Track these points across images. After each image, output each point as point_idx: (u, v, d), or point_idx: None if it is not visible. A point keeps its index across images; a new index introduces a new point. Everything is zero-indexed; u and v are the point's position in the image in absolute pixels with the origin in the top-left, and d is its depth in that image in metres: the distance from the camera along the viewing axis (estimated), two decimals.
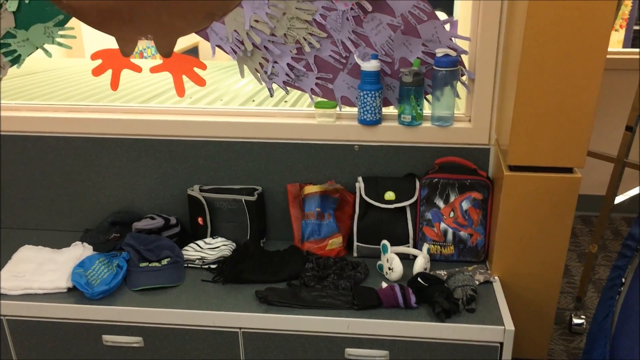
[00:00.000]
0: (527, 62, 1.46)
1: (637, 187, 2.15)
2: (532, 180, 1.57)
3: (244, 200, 1.83)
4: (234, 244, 1.83)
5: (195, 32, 1.78)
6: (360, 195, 1.80)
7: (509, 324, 1.49)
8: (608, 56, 2.84)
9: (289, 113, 1.92)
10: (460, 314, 1.53)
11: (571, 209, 1.58)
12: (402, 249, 1.75)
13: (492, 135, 1.80)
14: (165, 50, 1.77)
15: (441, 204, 1.76)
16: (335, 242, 1.80)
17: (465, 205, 1.74)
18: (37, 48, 1.85)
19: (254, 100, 2.38)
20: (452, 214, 1.76)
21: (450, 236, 1.76)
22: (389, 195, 1.78)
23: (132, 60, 1.83)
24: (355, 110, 1.84)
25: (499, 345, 1.49)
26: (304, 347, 1.57)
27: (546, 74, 1.46)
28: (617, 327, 1.58)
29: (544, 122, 1.51)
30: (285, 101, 2.33)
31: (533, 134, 1.53)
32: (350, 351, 1.55)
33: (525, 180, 1.57)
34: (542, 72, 1.46)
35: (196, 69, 1.81)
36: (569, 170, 1.57)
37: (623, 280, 1.63)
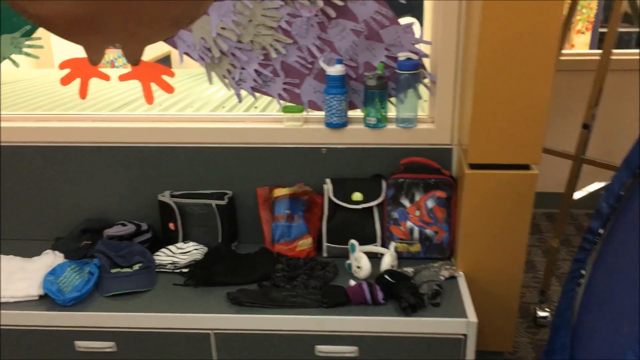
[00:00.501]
0: (483, 64, 1.52)
1: (595, 183, 2.24)
2: (491, 178, 1.63)
3: (215, 204, 1.86)
4: (206, 248, 1.86)
5: (163, 40, 1.81)
6: (329, 196, 1.84)
7: (472, 316, 1.54)
8: (575, 57, 2.94)
9: (257, 118, 1.96)
10: (426, 308, 1.58)
11: (529, 204, 1.64)
12: (370, 247, 1.80)
13: (454, 136, 1.86)
14: (133, 58, 1.79)
15: (407, 203, 1.81)
16: (305, 243, 1.84)
17: (430, 203, 1.80)
18: (5, 59, 1.86)
19: (224, 107, 2.41)
20: (417, 213, 1.81)
21: (416, 234, 1.81)
22: (357, 196, 1.83)
23: (103, 69, 1.85)
24: (322, 114, 1.88)
25: (463, 337, 1.55)
26: (275, 347, 1.60)
27: (501, 74, 1.52)
28: (578, 317, 1.65)
29: (500, 121, 1.57)
30: (256, 107, 2.36)
31: (491, 132, 1.59)
32: (320, 348, 1.58)
33: (485, 178, 1.64)
34: (498, 73, 1.52)
35: (164, 77, 1.84)
36: (527, 167, 1.64)
37: (583, 272, 1.69)
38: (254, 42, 1.81)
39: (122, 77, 1.85)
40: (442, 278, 1.70)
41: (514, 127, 1.57)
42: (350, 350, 1.58)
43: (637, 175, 1.56)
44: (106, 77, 1.84)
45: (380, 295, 1.60)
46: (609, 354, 1.39)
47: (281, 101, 1.90)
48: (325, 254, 1.86)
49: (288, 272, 1.72)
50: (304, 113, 1.89)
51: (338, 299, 1.60)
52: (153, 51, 1.82)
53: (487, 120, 1.58)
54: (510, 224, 1.68)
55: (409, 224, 1.81)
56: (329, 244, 1.84)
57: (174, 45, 1.82)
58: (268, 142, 1.89)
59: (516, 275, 1.74)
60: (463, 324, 1.53)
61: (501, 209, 1.67)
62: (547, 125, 2.91)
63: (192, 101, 2.54)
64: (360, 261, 1.71)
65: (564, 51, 2.98)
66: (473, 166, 1.66)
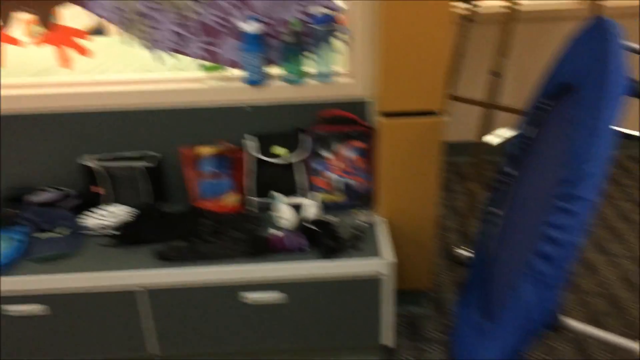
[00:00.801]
0: (389, 16, 1.59)
1: (508, 129, 2.37)
2: (401, 126, 1.72)
3: (141, 166, 1.88)
4: (134, 209, 1.89)
5: (74, 2, 1.79)
6: (252, 152, 1.89)
7: (390, 257, 1.65)
8: (499, 10, 3.02)
9: (178, 79, 1.97)
10: (347, 252, 1.67)
11: (437, 148, 1.74)
12: (295, 199, 1.87)
13: (372, 88, 1.93)
14: (44, 21, 1.77)
15: (328, 155, 1.88)
16: (232, 199, 1.89)
17: (350, 154, 1.88)
18: None
19: (150, 70, 2.39)
20: (339, 163, 1.89)
21: (338, 184, 1.90)
22: (279, 150, 1.89)
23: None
24: (242, 72, 1.91)
25: (382, 276, 1.65)
26: (203, 298, 1.67)
27: (406, 26, 1.59)
28: (495, 253, 1.77)
29: (407, 70, 1.65)
30: (181, 69, 2.36)
31: (399, 81, 1.67)
32: (248, 295, 1.66)
33: (396, 126, 1.72)
34: (403, 25, 1.59)
35: (77, 39, 1.82)
36: (434, 114, 1.73)
37: (494, 210, 1.82)
38: (170, 3, 1.81)
39: (36, 42, 1.82)
40: (363, 223, 1.79)
41: (419, 76, 1.65)
42: (277, 296, 1.66)
43: (540, 119, 1.68)
44: (15, 42, 1.81)
45: (303, 242, 1.68)
46: (513, 284, 1.52)
47: (202, 61, 1.92)
48: (251, 208, 1.93)
49: (215, 227, 1.78)
50: (224, 72, 1.91)
51: (262, 249, 1.67)
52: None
53: (395, 70, 1.65)
54: (423, 168, 1.78)
55: (330, 174, 1.89)
56: (254, 198, 1.90)
57: (87, 8, 1.80)
58: (189, 102, 1.92)
59: (431, 216, 1.85)
60: (381, 264, 1.64)
61: (414, 155, 1.76)
62: (465, 75, 3.02)
63: (124, 65, 2.50)
64: (284, 212, 1.78)
65: (485, 4, 3.07)
66: (388, 115, 1.74)
